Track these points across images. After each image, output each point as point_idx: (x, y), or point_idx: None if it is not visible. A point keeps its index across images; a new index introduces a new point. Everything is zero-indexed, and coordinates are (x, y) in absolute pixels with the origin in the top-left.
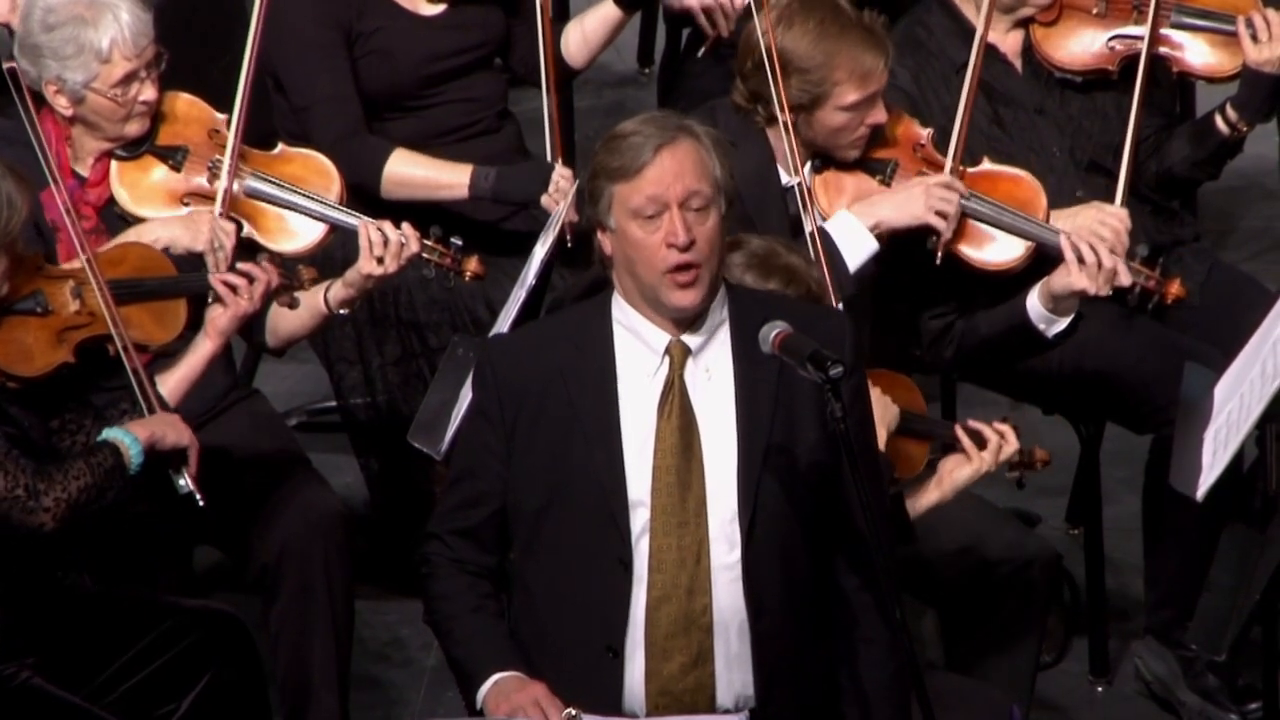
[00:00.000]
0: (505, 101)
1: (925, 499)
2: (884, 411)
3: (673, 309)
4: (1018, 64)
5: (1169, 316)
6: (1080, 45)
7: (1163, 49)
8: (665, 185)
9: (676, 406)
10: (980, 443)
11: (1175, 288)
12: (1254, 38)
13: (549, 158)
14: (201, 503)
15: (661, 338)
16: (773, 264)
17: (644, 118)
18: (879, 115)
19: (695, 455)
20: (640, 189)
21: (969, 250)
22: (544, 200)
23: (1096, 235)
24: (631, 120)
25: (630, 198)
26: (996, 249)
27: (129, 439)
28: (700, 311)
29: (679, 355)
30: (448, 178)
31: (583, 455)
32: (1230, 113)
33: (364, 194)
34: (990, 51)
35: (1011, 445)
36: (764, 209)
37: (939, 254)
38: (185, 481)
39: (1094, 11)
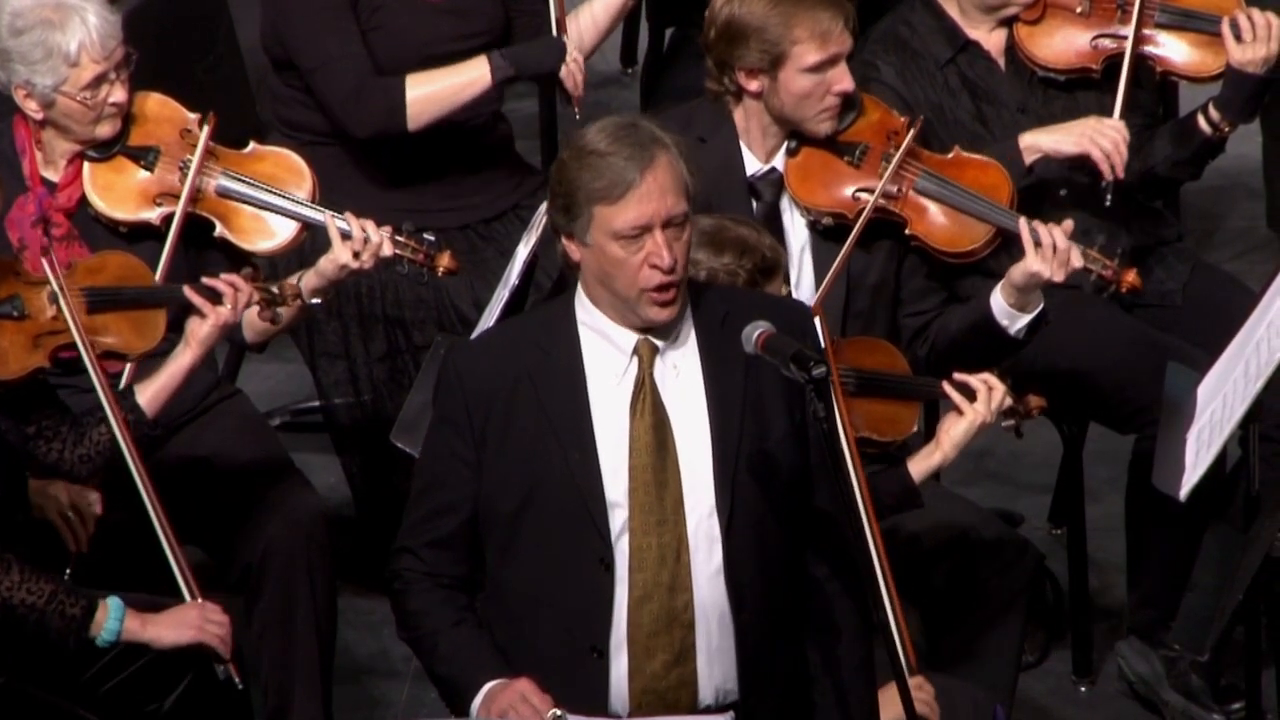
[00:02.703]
0: (501, 102)
1: (928, 461)
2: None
3: (649, 323)
4: (1001, 62)
5: (1149, 316)
6: (1064, 44)
7: (1146, 49)
8: (651, 210)
9: (648, 405)
10: (970, 395)
11: (1131, 277)
12: (1238, 38)
13: (555, 33)
14: (240, 686)
15: (629, 337)
16: (723, 238)
17: (612, 133)
18: (845, 82)
19: (670, 453)
20: (624, 215)
21: (932, 234)
22: (562, 73)
23: (1095, 142)
24: (599, 132)
25: (613, 220)
26: (958, 233)
27: (114, 616)
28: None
29: (648, 354)
30: (467, 76)
31: (558, 458)
32: (1213, 113)
33: (389, 143)
34: (974, 49)
35: (1000, 391)
36: (727, 202)
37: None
38: (223, 668)
39: (1078, 10)
